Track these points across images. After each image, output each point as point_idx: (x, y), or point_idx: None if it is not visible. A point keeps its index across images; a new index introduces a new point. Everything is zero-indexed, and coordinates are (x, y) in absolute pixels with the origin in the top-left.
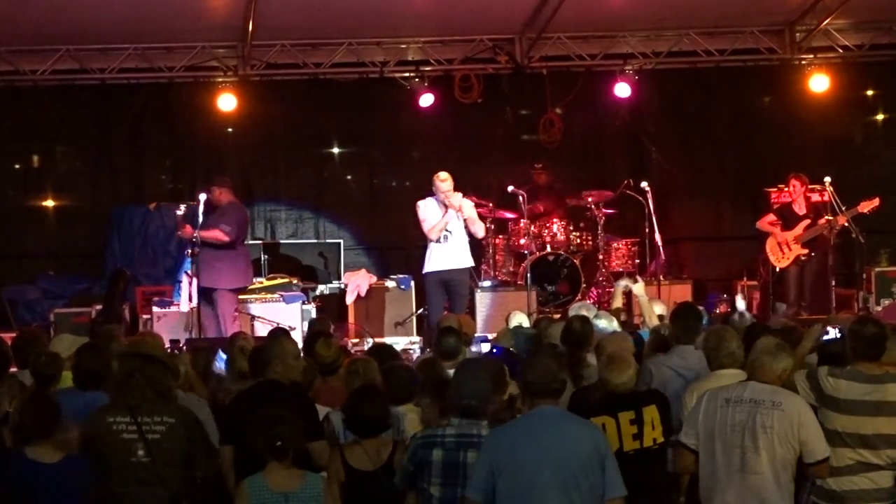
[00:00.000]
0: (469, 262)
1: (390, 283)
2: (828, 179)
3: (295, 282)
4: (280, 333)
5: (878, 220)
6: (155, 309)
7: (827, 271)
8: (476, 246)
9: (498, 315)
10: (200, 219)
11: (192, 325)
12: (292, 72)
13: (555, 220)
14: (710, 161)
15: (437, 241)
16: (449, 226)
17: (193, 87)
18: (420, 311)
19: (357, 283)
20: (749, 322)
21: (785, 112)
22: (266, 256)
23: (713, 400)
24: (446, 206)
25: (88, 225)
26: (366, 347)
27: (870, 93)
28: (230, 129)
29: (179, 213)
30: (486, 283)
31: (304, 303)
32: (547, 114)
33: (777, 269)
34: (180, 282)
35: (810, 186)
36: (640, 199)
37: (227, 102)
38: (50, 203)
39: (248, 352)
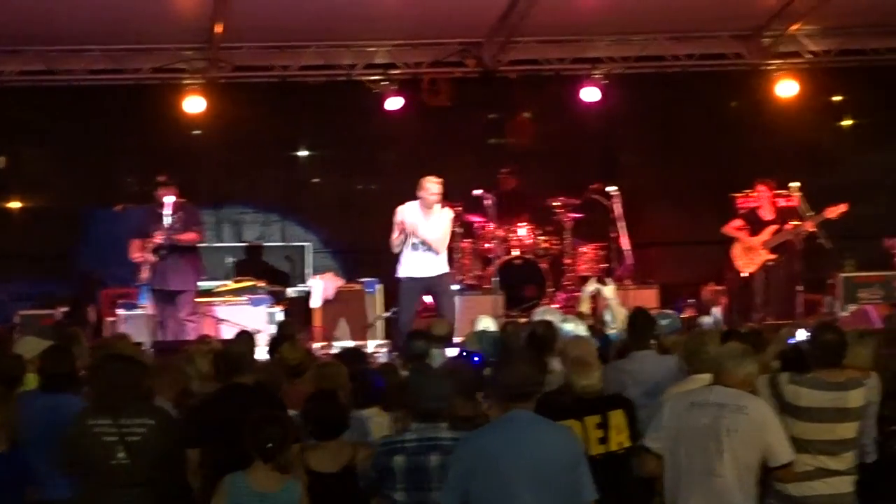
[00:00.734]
0: (446, 268)
1: (358, 287)
2: (795, 185)
3: (261, 285)
4: (247, 336)
5: (845, 226)
6: (120, 311)
7: (794, 276)
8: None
9: (465, 319)
10: (168, 221)
11: (156, 328)
12: (260, 74)
13: (522, 224)
14: (678, 166)
15: (414, 248)
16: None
17: (161, 89)
18: (388, 313)
19: (324, 286)
20: (721, 327)
21: (753, 117)
22: (232, 259)
23: (678, 403)
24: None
25: (56, 226)
26: (333, 351)
27: (837, 98)
28: (198, 132)
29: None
30: (454, 287)
31: (270, 306)
32: (515, 118)
33: (744, 275)
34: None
35: (778, 192)
36: (607, 203)
37: (194, 104)
38: (17, 204)
39: (214, 354)
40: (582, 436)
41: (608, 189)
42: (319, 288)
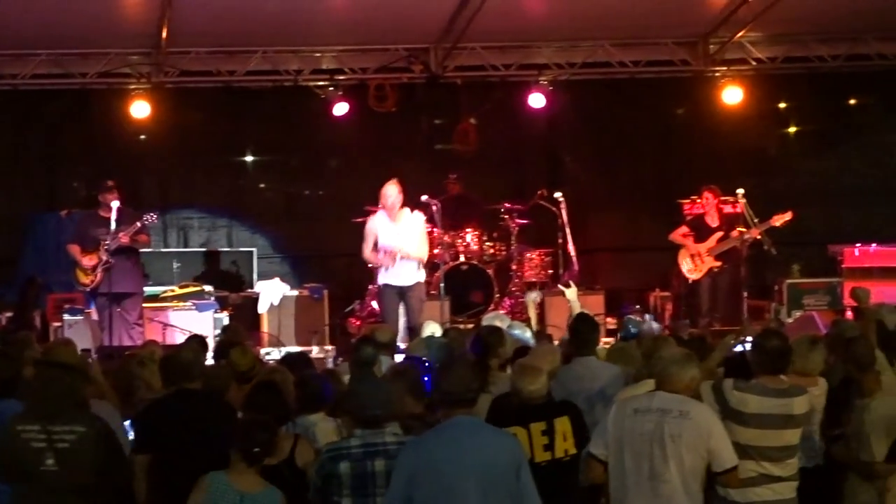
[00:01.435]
0: (422, 276)
1: (304, 293)
2: (741, 191)
3: (207, 290)
4: (196, 341)
5: (791, 233)
6: (66, 316)
7: (739, 283)
8: None
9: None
10: (114, 226)
11: (102, 333)
12: (206, 79)
13: (468, 230)
14: (624, 172)
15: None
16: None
17: (107, 94)
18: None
19: (270, 291)
20: (656, 332)
21: (699, 124)
22: (178, 264)
23: (622, 410)
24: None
25: (1, 232)
26: (278, 356)
27: (783, 105)
28: (144, 137)
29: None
30: (422, 298)
31: (216, 311)
32: (462, 123)
33: (690, 281)
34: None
35: (724, 198)
36: (554, 209)
37: (140, 109)
38: None
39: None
40: (527, 442)
41: (555, 195)
42: (266, 293)
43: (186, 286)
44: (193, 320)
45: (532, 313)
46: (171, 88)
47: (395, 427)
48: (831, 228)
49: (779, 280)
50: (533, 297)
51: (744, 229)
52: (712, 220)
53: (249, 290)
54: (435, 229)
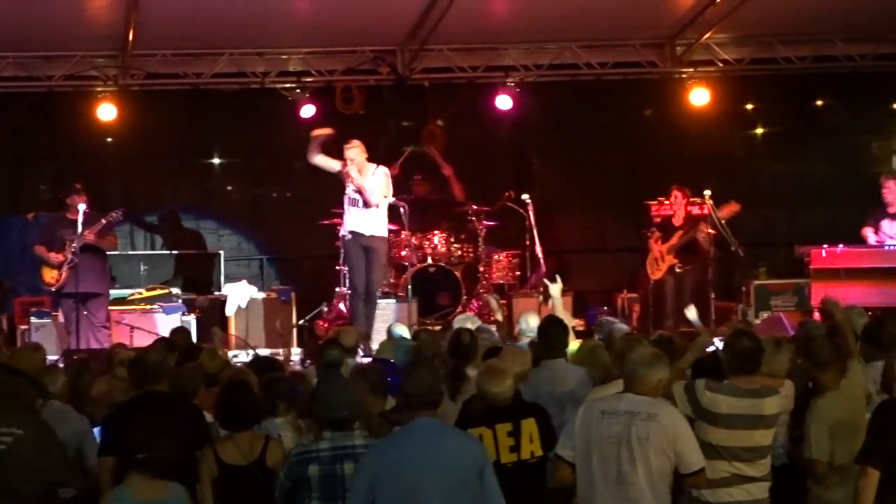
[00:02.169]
0: (384, 232)
1: (272, 295)
2: (708, 192)
3: (175, 293)
4: (163, 344)
5: (757, 234)
6: (33, 319)
7: (706, 284)
8: None
9: (379, 327)
10: (80, 229)
11: (69, 336)
12: (173, 82)
13: (436, 231)
14: (592, 173)
15: (353, 204)
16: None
17: (73, 97)
18: (301, 321)
19: (238, 294)
20: (623, 331)
21: (666, 125)
22: (145, 267)
23: (589, 411)
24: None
25: None
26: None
27: (750, 107)
28: (110, 139)
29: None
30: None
31: (183, 314)
32: (429, 125)
33: (652, 281)
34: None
35: (691, 199)
36: (521, 211)
37: (107, 112)
38: None
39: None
40: (493, 443)
41: (523, 196)
42: (234, 296)
43: (154, 289)
44: (161, 323)
45: (499, 315)
46: (138, 91)
47: (364, 429)
48: (797, 230)
49: (746, 281)
50: (493, 301)
51: (704, 226)
52: (677, 220)
53: (217, 293)
54: (403, 231)
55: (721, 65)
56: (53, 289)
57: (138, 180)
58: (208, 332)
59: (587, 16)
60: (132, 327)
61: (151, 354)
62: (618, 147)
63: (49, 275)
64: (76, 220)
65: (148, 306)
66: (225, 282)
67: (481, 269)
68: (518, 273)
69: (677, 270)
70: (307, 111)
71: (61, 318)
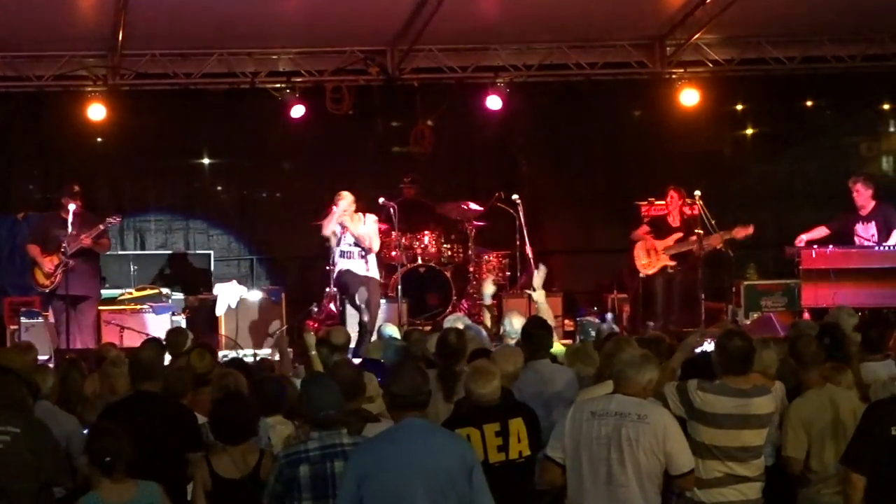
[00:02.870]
0: (376, 275)
1: (261, 295)
2: (697, 193)
3: (165, 293)
4: (155, 343)
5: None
6: (23, 319)
7: (696, 285)
8: None
9: None
10: (70, 229)
11: (59, 336)
12: (162, 82)
13: (426, 232)
14: (581, 174)
15: (342, 255)
16: (353, 244)
17: (62, 97)
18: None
19: (228, 294)
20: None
21: (656, 125)
22: (135, 267)
23: (579, 413)
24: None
25: None
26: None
27: (739, 107)
28: (100, 139)
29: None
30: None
31: (173, 314)
32: (418, 126)
33: (643, 277)
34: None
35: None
36: (512, 211)
37: (96, 112)
38: None
39: (119, 363)
40: (480, 443)
41: (513, 197)
42: (224, 296)
43: (144, 289)
44: (151, 323)
45: (488, 320)
46: (127, 91)
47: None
48: (786, 230)
49: (735, 282)
50: (489, 291)
51: (701, 232)
52: (674, 221)
53: (207, 293)
54: (392, 232)
55: (710, 65)
56: (46, 290)
57: (127, 180)
58: (199, 332)
59: (577, 16)
60: (122, 327)
61: (144, 352)
62: (607, 147)
63: (42, 277)
64: (68, 220)
65: (138, 306)
66: (215, 282)
67: (471, 269)
68: (508, 273)
69: (669, 271)
70: (297, 111)
71: (52, 319)
